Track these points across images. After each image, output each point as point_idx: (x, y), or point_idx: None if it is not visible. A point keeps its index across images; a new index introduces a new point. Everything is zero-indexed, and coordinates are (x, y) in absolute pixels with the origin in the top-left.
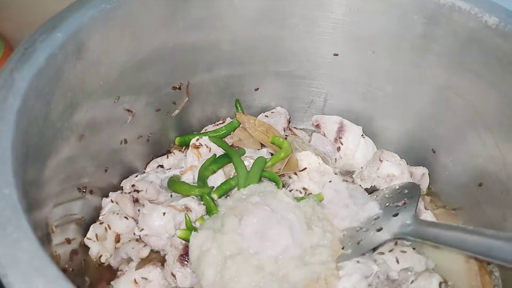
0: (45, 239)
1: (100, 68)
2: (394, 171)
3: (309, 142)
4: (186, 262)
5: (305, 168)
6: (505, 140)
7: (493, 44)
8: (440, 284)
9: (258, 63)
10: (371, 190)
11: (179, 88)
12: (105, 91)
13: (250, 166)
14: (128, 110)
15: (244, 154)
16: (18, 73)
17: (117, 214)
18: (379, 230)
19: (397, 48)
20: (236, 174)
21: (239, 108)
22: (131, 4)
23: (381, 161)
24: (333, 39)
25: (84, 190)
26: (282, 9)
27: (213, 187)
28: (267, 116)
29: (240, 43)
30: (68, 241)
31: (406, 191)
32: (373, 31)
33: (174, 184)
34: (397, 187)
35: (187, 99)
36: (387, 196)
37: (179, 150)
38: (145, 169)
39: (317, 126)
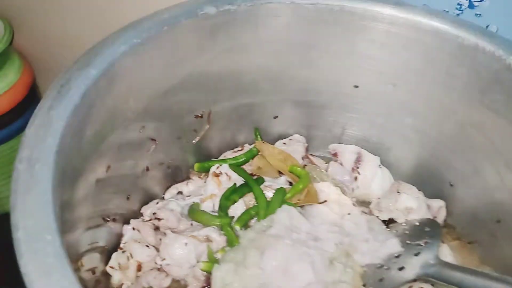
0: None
1: (128, 100)
2: (412, 204)
3: (326, 170)
4: None
5: (325, 201)
6: None
7: None
8: None
9: (278, 93)
10: (388, 222)
11: (201, 117)
12: (132, 121)
13: (269, 195)
14: (152, 139)
15: (263, 183)
16: (55, 111)
17: (139, 242)
18: (400, 269)
19: (419, 83)
20: (255, 204)
21: (258, 137)
22: (161, 38)
23: (399, 193)
24: (354, 71)
25: (108, 219)
26: (306, 42)
27: (233, 217)
28: (285, 144)
29: (263, 73)
30: (93, 271)
31: (427, 228)
32: (395, 65)
33: (195, 213)
34: (417, 223)
35: (207, 126)
36: (407, 232)
37: (198, 177)
38: (164, 194)
39: (334, 154)
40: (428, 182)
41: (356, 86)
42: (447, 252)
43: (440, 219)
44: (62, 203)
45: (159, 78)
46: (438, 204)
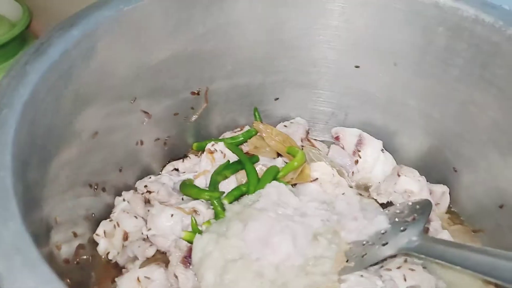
0: (43, 228)
1: (115, 69)
2: (412, 187)
3: (327, 154)
4: (189, 264)
5: (316, 179)
6: None
7: None
8: None
9: (278, 73)
10: (387, 206)
11: (198, 94)
12: (121, 91)
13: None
14: (145, 112)
15: (257, 162)
16: (31, 66)
17: (128, 213)
18: (384, 244)
19: (420, 61)
20: (248, 182)
21: (257, 117)
22: (149, 6)
23: (399, 176)
24: (354, 50)
25: (96, 187)
26: (303, 18)
27: (224, 192)
28: (286, 126)
29: (260, 51)
30: (75, 234)
31: (417, 206)
32: (396, 42)
33: (185, 187)
34: (410, 203)
35: (205, 105)
36: (398, 211)
37: (196, 155)
38: (161, 171)
39: (337, 138)
40: (432, 168)
41: (357, 67)
42: (446, 237)
43: (444, 205)
44: (28, 152)
45: (149, 49)
46: (441, 189)
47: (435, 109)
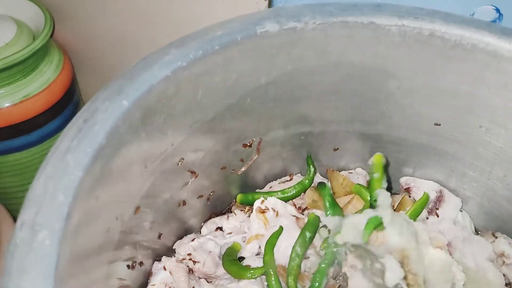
0: None
1: (166, 133)
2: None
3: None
4: None
5: None
6: None
7: None
8: None
9: (343, 122)
10: None
11: (250, 146)
12: (169, 155)
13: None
14: (192, 172)
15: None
16: (73, 156)
17: (169, 287)
18: None
19: None
20: None
21: (311, 166)
22: (210, 60)
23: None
24: (437, 107)
25: (134, 265)
26: (383, 69)
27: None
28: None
29: (327, 100)
30: None
31: None
32: (491, 106)
33: (227, 263)
34: None
35: (256, 156)
36: None
37: (241, 210)
38: (201, 228)
39: (407, 189)
40: None
41: (437, 124)
42: None
43: None
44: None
45: (205, 106)
46: None
47: None
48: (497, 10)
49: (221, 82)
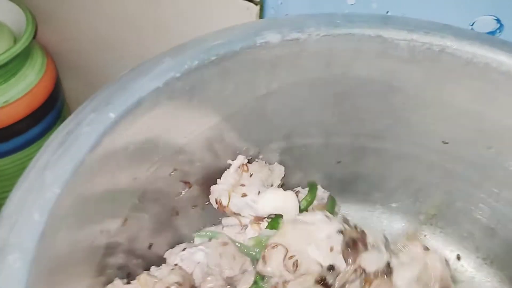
0: None
1: (157, 145)
2: None
3: None
4: None
5: None
6: None
7: None
8: None
9: (346, 135)
10: None
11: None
12: (159, 167)
13: None
14: (185, 182)
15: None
16: (51, 172)
17: None
18: None
19: None
20: None
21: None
22: (206, 71)
23: None
24: (444, 124)
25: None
26: (389, 83)
27: None
28: None
29: (330, 113)
30: None
31: None
32: (501, 125)
33: None
34: None
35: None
36: None
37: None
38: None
39: None
40: None
41: (445, 142)
42: None
43: None
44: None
45: (199, 117)
46: None
47: None
48: (498, 20)
49: (216, 95)
